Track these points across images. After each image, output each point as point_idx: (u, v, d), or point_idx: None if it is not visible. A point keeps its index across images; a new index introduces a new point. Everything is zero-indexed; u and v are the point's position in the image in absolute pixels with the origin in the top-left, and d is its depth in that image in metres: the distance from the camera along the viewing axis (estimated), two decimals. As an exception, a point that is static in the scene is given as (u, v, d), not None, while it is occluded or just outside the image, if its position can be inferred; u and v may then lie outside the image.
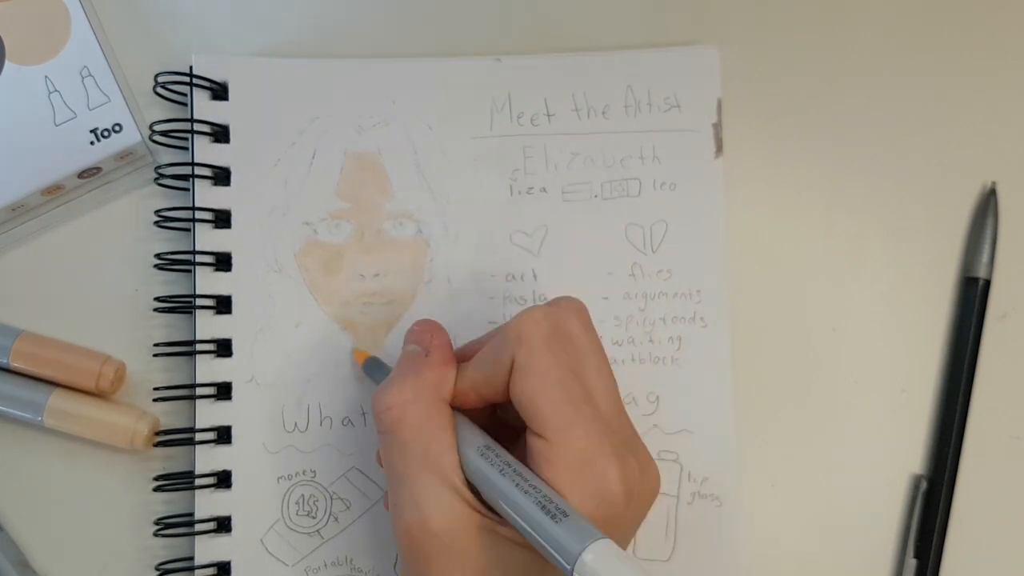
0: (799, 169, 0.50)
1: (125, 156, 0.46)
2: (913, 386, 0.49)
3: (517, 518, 0.34)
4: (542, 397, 0.36)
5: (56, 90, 0.45)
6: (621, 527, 0.36)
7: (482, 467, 0.36)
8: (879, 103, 0.50)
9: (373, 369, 0.45)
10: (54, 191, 0.45)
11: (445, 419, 0.38)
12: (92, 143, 0.45)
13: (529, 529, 0.33)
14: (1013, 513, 0.49)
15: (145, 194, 0.47)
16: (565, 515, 0.33)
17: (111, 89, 0.45)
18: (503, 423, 0.41)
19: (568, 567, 0.31)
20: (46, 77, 0.45)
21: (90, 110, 0.45)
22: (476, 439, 0.37)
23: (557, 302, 0.39)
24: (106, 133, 0.45)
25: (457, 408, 0.39)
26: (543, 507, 0.33)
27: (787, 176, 0.50)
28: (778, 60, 0.51)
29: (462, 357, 0.40)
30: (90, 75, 0.45)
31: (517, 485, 0.34)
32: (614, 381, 0.39)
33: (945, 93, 0.51)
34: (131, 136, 0.45)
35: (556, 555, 0.32)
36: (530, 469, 0.36)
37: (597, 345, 0.39)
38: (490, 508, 0.36)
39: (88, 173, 0.45)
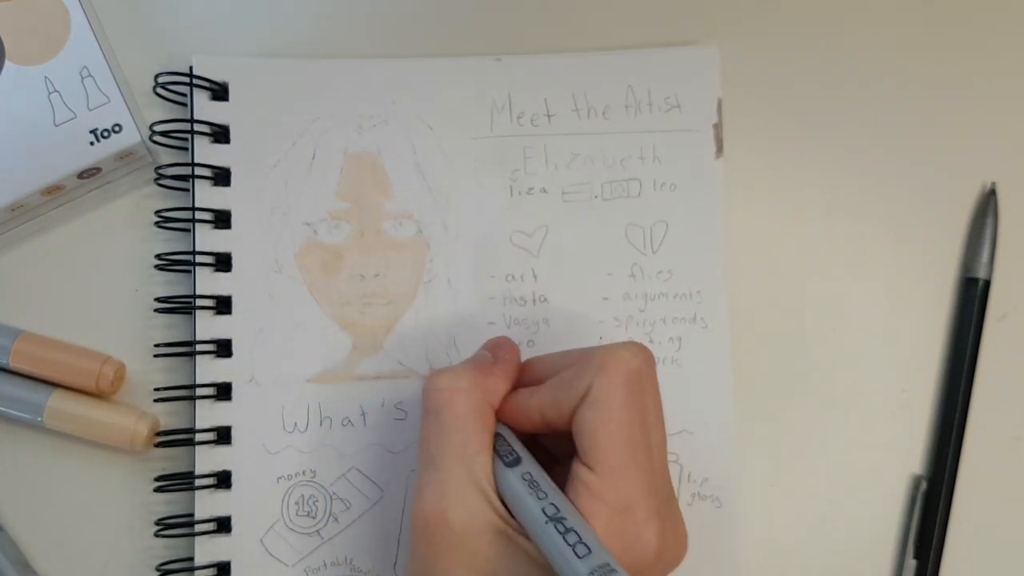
0: (799, 169, 0.50)
1: (125, 156, 0.46)
2: (913, 386, 0.49)
3: (541, 538, 0.34)
4: (606, 432, 0.36)
5: (56, 90, 0.45)
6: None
7: (517, 489, 0.36)
8: (879, 103, 0.50)
9: None
10: (54, 191, 0.45)
11: (489, 422, 0.39)
12: (92, 143, 0.45)
13: (551, 551, 0.34)
14: (1013, 513, 0.49)
15: (145, 194, 0.47)
16: (612, 571, 0.32)
17: (111, 89, 0.45)
18: (538, 444, 0.41)
19: None
20: (46, 77, 0.45)
21: (90, 110, 0.45)
22: (523, 458, 0.37)
23: (643, 348, 0.39)
24: (106, 133, 0.45)
25: (507, 424, 0.40)
26: (580, 554, 0.33)
27: (787, 176, 0.50)
28: (778, 60, 0.50)
29: (525, 373, 0.41)
30: (90, 75, 0.45)
31: (554, 521, 0.34)
32: (665, 441, 0.39)
33: (945, 93, 0.51)
34: (131, 136, 0.45)
35: None
36: (568, 497, 0.36)
37: (660, 399, 0.39)
38: (513, 516, 0.36)
39: (88, 173, 0.45)
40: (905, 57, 0.51)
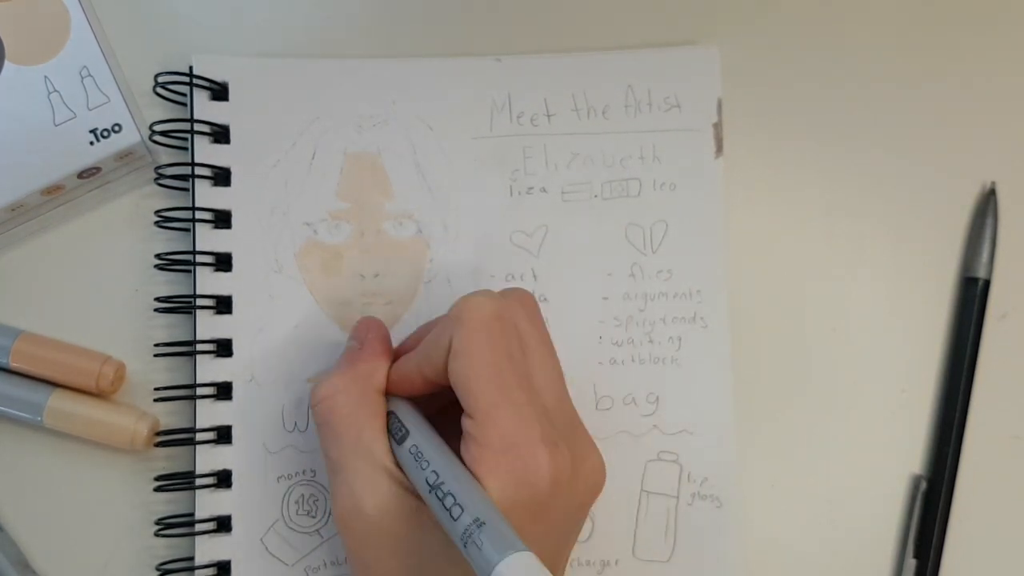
0: (799, 169, 0.50)
1: (125, 156, 0.46)
2: (913, 386, 0.49)
3: (431, 508, 0.35)
4: (473, 378, 0.36)
5: (56, 90, 0.45)
6: (548, 516, 0.36)
7: (408, 464, 0.37)
8: (879, 103, 0.50)
9: None
10: (54, 191, 0.45)
11: (377, 407, 0.39)
12: (92, 143, 0.45)
13: (440, 520, 0.34)
14: (1013, 513, 0.49)
15: (145, 194, 0.47)
16: (482, 523, 0.32)
17: (111, 89, 0.45)
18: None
19: None
20: (46, 77, 0.45)
21: (90, 110, 0.45)
22: (411, 430, 0.38)
23: (505, 292, 0.40)
24: (106, 133, 0.45)
25: (401, 396, 0.40)
26: (455, 516, 0.33)
27: (787, 176, 0.50)
28: (778, 60, 0.50)
29: (413, 346, 0.41)
30: (90, 75, 0.45)
31: (434, 489, 0.35)
32: (560, 374, 0.39)
33: (945, 93, 0.51)
34: (131, 136, 0.45)
35: (473, 565, 0.32)
36: (460, 453, 0.36)
37: (543, 337, 0.39)
38: None
39: (88, 173, 0.45)
40: (905, 57, 0.51)
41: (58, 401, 0.44)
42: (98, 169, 0.46)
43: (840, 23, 0.51)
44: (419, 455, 0.37)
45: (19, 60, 0.45)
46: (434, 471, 0.35)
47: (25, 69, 0.45)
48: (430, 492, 0.35)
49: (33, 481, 0.46)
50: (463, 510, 0.33)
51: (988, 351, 0.49)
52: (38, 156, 0.44)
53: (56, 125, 0.45)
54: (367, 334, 0.42)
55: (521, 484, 0.35)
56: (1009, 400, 0.49)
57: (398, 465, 0.38)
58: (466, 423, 0.36)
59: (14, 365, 0.44)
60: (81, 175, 0.45)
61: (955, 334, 0.49)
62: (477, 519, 0.32)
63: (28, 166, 0.44)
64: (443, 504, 0.34)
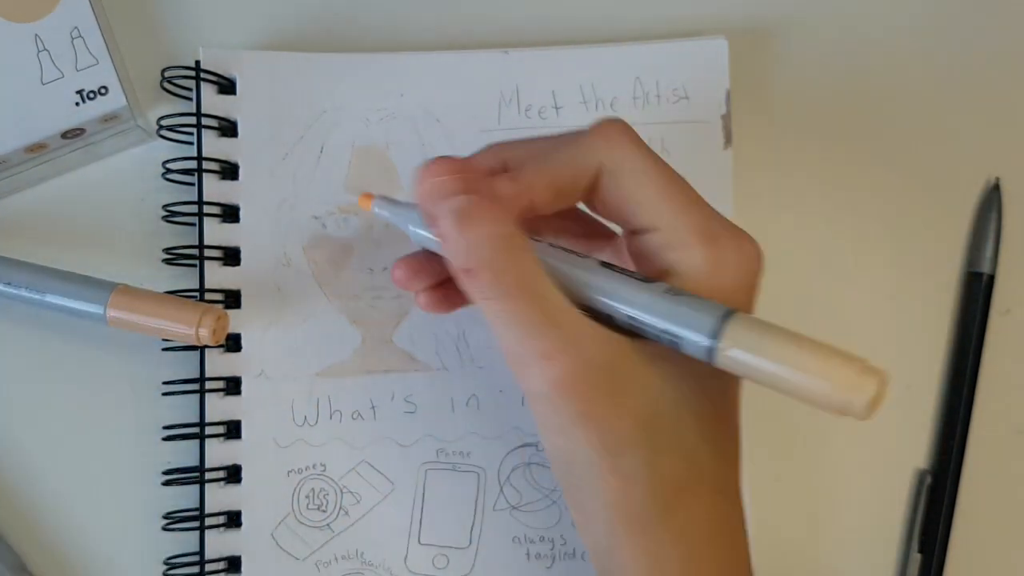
0: (806, 162, 0.50)
1: (110, 119, 0.45)
2: (917, 381, 0.49)
3: (645, 316, 0.33)
4: (648, 189, 0.35)
5: (45, 48, 0.44)
6: (752, 291, 0.36)
7: (601, 281, 0.34)
8: (885, 96, 0.50)
9: (394, 210, 0.39)
10: (37, 149, 0.45)
11: (526, 246, 0.34)
12: (77, 104, 0.44)
13: (661, 323, 0.33)
14: (1017, 507, 0.49)
15: (152, 188, 0.47)
16: (730, 313, 0.32)
17: (100, 52, 0.44)
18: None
19: (710, 341, 0.31)
20: (36, 35, 0.44)
21: (78, 71, 0.44)
22: (576, 262, 0.35)
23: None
24: (92, 95, 0.44)
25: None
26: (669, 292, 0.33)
27: (794, 168, 0.50)
28: (786, 51, 0.50)
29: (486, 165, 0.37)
30: (80, 36, 0.44)
31: (634, 283, 0.34)
32: None
33: (951, 87, 0.51)
34: (117, 99, 0.44)
35: (695, 337, 0.32)
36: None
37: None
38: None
39: (72, 133, 0.45)
40: (912, 51, 0.51)
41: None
42: (83, 130, 0.45)
43: (848, 16, 0.51)
44: (609, 267, 0.35)
45: (11, 16, 0.44)
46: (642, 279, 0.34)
47: (16, 26, 0.44)
48: (666, 292, 0.33)
49: (39, 472, 0.46)
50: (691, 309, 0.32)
51: (992, 346, 0.49)
52: (23, 113, 0.44)
53: (43, 84, 0.44)
54: (466, 179, 0.35)
55: (744, 270, 0.35)
56: (1013, 395, 0.49)
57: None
58: (648, 239, 0.35)
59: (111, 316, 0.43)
60: (65, 135, 0.45)
61: (959, 329, 0.49)
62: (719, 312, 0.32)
63: (13, 123, 0.44)
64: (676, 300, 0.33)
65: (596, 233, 0.41)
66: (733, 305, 0.33)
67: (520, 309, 0.33)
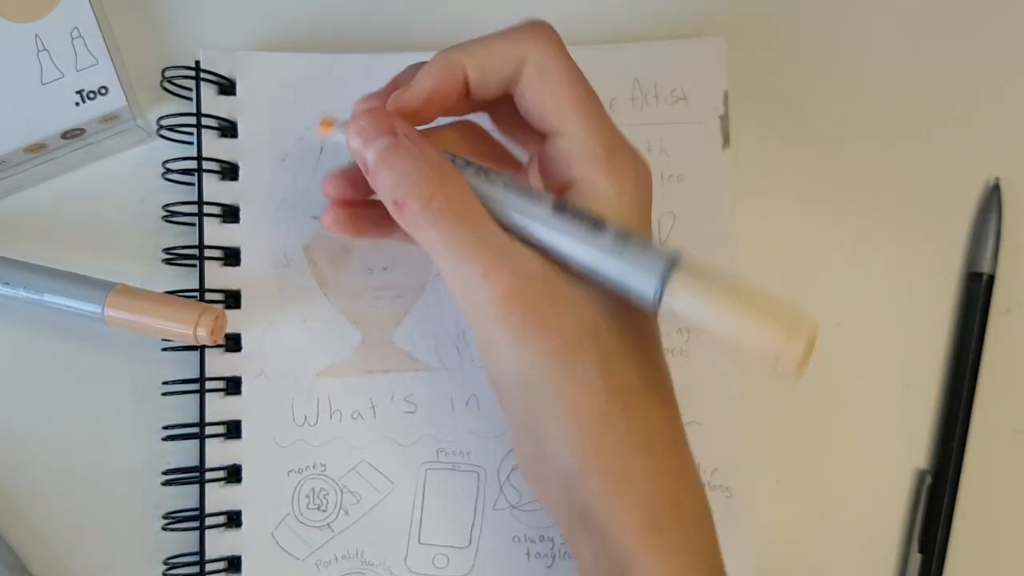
0: (805, 162, 0.50)
1: (110, 119, 0.45)
2: (917, 381, 0.49)
3: (582, 260, 0.35)
4: (563, 90, 0.37)
5: (45, 48, 0.44)
6: (649, 210, 0.38)
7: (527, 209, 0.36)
8: (884, 97, 0.51)
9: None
10: (37, 149, 0.45)
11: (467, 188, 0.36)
12: (77, 104, 0.44)
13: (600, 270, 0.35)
14: (1017, 507, 0.49)
15: (151, 189, 0.47)
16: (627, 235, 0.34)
17: (100, 52, 0.44)
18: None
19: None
20: (36, 35, 0.44)
21: (78, 71, 0.44)
22: (509, 193, 0.36)
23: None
24: (92, 95, 0.44)
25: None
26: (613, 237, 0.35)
27: (793, 169, 0.50)
28: (784, 52, 0.50)
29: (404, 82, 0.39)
30: (80, 36, 0.44)
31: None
32: None
33: (951, 87, 0.51)
34: (117, 99, 0.45)
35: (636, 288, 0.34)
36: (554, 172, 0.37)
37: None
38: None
39: (72, 133, 0.45)
40: (911, 51, 0.51)
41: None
42: (83, 130, 0.45)
43: (846, 16, 0.51)
44: (521, 188, 0.36)
45: (11, 16, 0.44)
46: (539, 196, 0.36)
47: (16, 26, 0.44)
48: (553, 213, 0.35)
49: (39, 472, 0.46)
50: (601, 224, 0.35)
51: (992, 346, 0.49)
52: (23, 113, 0.44)
53: (43, 84, 0.44)
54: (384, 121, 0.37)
55: (638, 181, 0.37)
56: (1013, 395, 0.49)
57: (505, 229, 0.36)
58: (559, 143, 0.37)
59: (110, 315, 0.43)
60: (65, 135, 0.45)
61: (959, 329, 0.49)
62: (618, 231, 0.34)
63: (12, 123, 0.44)
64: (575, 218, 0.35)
65: (505, 158, 0.42)
66: (632, 225, 0.35)
67: (453, 233, 0.35)
